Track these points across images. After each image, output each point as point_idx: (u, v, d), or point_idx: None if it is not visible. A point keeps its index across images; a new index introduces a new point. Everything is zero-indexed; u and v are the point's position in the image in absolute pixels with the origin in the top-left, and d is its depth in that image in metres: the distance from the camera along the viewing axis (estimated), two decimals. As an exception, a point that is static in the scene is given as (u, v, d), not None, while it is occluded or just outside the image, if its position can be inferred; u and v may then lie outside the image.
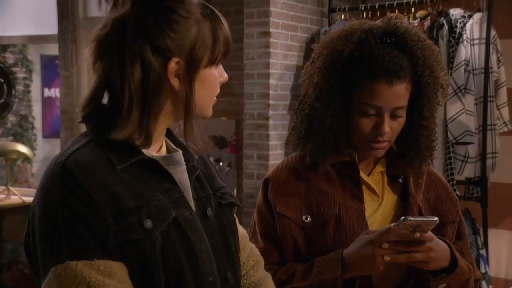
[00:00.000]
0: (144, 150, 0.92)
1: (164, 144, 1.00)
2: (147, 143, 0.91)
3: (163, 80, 0.90)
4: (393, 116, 1.22)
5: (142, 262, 0.86)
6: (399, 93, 1.20)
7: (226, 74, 0.98)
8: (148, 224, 0.86)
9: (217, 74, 0.96)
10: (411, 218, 1.09)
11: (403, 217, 1.10)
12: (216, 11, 0.95)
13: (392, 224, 1.11)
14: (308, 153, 1.27)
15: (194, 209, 0.96)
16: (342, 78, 1.23)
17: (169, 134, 1.03)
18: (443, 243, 1.21)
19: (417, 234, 1.12)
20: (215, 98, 0.99)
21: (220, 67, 0.98)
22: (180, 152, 1.00)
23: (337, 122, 1.24)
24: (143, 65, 0.89)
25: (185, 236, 0.90)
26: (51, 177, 0.86)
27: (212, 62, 0.94)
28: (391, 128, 1.22)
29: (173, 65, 0.90)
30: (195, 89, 0.92)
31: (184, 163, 0.99)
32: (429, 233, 1.14)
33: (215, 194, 1.03)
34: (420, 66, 1.22)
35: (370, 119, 1.22)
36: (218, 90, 0.98)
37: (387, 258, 1.13)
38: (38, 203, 0.88)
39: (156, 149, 0.97)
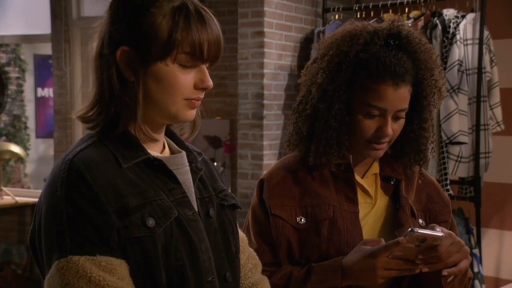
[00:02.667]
0: (149, 150, 0.94)
1: (166, 146, 1.01)
2: (123, 126, 0.92)
3: (112, 67, 0.91)
4: (396, 118, 1.23)
5: (144, 260, 0.87)
6: (403, 95, 1.21)
7: (209, 82, 0.94)
8: (151, 222, 0.87)
9: (184, 75, 0.92)
10: (418, 230, 1.08)
11: (410, 229, 1.08)
12: (201, 14, 0.92)
13: (400, 238, 1.09)
14: (311, 154, 1.27)
15: (196, 209, 0.97)
16: (347, 79, 1.23)
17: (172, 136, 1.04)
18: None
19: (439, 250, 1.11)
20: (194, 102, 0.94)
21: (201, 71, 0.93)
22: (184, 153, 1.01)
23: (341, 123, 1.24)
24: (100, 53, 0.92)
25: (187, 236, 0.92)
26: (58, 174, 0.88)
27: (163, 58, 0.90)
28: (392, 129, 1.23)
29: (120, 52, 0.90)
30: (147, 81, 0.91)
31: (187, 164, 1.00)
32: (446, 243, 1.12)
33: (217, 195, 1.04)
34: (421, 69, 1.23)
35: (373, 120, 1.22)
36: (195, 94, 0.93)
37: (425, 269, 1.13)
38: (44, 199, 0.89)
39: (159, 150, 0.98)
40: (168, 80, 0.91)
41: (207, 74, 0.94)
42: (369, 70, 1.21)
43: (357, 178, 1.29)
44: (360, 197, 1.29)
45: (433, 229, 1.13)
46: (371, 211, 1.29)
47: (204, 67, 0.94)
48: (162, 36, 0.89)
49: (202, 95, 0.95)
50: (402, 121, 1.25)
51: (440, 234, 1.10)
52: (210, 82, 0.94)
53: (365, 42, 1.22)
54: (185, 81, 0.92)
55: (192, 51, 0.90)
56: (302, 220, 1.26)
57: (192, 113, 0.95)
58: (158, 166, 0.93)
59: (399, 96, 1.20)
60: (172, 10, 0.90)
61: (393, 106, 1.21)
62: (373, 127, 1.22)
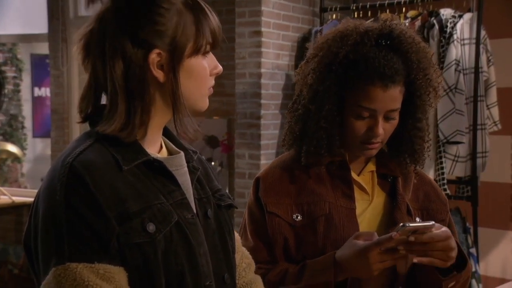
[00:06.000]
0: (148, 151, 0.92)
1: (163, 145, 1.00)
2: (133, 136, 0.90)
3: (145, 72, 0.89)
4: (387, 118, 1.23)
5: (144, 266, 0.86)
6: (393, 96, 1.21)
7: (220, 66, 0.97)
8: (151, 227, 0.86)
9: (207, 65, 0.95)
10: (409, 225, 1.10)
11: (401, 224, 1.10)
12: (201, 2, 0.94)
13: (393, 234, 1.10)
14: (303, 154, 1.28)
15: (195, 210, 0.96)
16: (336, 80, 1.23)
17: (169, 135, 1.03)
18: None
19: (433, 230, 1.11)
20: (211, 89, 0.97)
21: (212, 58, 0.96)
22: (182, 154, 1.00)
23: (331, 124, 1.24)
24: (124, 58, 0.88)
25: (187, 240, 0.91)
26: (58, 177, 0.86)
27: (197, 52, 0.92)
28: (384, 129, 1.23)
29: (153, 56, 0.89)
30: (180, 79, 0.91)
31: (186, 164, 0.99)
32: (443, 231, 1.13)
33: (214, 195, 1.04)
34: (414, 69, 1.22)
35: (364, 121, 1.22)
36: (211, 81, 0.97)
37: (415, 260, 1.13)
38: (42, 202, 0.87)
39: (156, 150, 0.97)
40: (199, 72, 0.93)
41: (216, 60, 0.97)
42: (358, 71, 1.21)
43: (354, 175, 1.30)
44: (357, 193, 1.29)
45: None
46: (368, 208, 1.30)
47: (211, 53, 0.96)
48: (191, 33, 0.91)
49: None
50: (394, 122, 1.25)
51: (430, 223, 1.12)
52: (221, 67, 0.97)
53: (355, 42, 1.22)
54: (207, 69, 0.95)
55: (212, 40, 0.93)
56: (298, 217, 1.26)
57: (208, 101, 0.97)
58: (158, 168, 0.92)
59: (389, 97, 1.20)
60: (184, 5, 0.91)
61: (382, 107, 1.21)
62: (364, 128, 1.23)
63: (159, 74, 0.90)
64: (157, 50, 0.89)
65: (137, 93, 0.89)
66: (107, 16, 0.90)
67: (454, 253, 1.15)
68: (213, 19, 0.94)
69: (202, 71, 0.94)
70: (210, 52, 0.95)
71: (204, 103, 0.96)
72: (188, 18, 0.91)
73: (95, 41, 0.90)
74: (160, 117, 0.94)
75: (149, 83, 0.90)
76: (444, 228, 1.15)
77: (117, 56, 0.88)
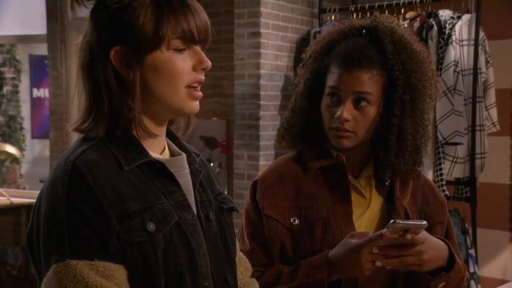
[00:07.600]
0: (150, 151, 0.93)
1: (166, 147, 1.00)
2: (100, 131, 0.91)
3: (108, 71, 0.90)
4: (356, 102, 1.22)
5: (144, 265, 0.87)
6: (360, 79, 1.21)
7: (207, 62, 0.93)
8: (151, 227, 0.87)
9: (184, 60, 0.92)
10: (400, 222, 1.09)
11: (392, 221, 1.10)
12: None
13: (384, 231, 1.10)
14: (286, 144, 1.33)
15: (195, 212, 0.97)
16: (321, 68, 1.28)
17: (173, 138, 1.03)
18: (440, 242, 1.21)
19: (409, 236, 1.12)
20: (193, 91, 0.93)
21: (196, 53, 0.93)
22: (184, 156, 1.00)
23: (312, 116, 1.28)
24: (90, 59, 0.91)
25: (187, 240, 0.91)
26: (60, 175, 0.87)
27: (157, 46, 0.89)
28: (353, 116, 1.22)
29: (113, 53, 0.90)
30: (147, 76, 0.90)
31: (187, 166, 1.00)
32: (421, 235, 1.14)
33: (216, 198, 1.04)
34: (390, 59, 1.21)
35: (334, 107, 1.24)
36: (194, 77, 0.93)
37: (378, 263, 1.13)
38: (45, 200, 0.88)
39: (159, 151, 0.98)
40: (167, 66, 0.91)
41: (203, 54, 0.94)
42: (330, 56, 1.26)
43: (351, 179, 1.29)
44: (354, 198, 1.28)
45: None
46: (365, 212, 1.29)
47: (198, 48, 0.93)
48: (150, 26, 0.89)
49: (203, 76, 0.94)
50: (367, 111, 1.22)
51: (422, 222, 1.12)
52: (208, 62, 0.93)
53: (337, 38, 1.28)
54: (183, 65, 0.92)
55: (183, 35, 0.90)
56: (296, 221, 1.26)
57: (196, 104, 0.94)
58: (159, 169, 0.93)
59: (354, 79, 1.21)
60: (151, 1, 0.90)
61: (348, 88, 1.21)
62: (333, 113, 1.24)
63: (125, 72, 0.91)
64: (117, 47, 0.90)
65: (104, 92, 0.90)
66: (88, 22, 0.94)
67: (425, 256, 1.15)
68: (190, 16, 0.91)
69: (169, 66, 0.90)
70: (195, 48, 0.93)
71: (187, 105, 0.93)
72: (150, 12, 0.89)
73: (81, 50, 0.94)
74: (158, 109, 0.94)
75: (116, 81, 0.90)
76: (429, 237, 1.16)
77: (86, 58, 0.91)
